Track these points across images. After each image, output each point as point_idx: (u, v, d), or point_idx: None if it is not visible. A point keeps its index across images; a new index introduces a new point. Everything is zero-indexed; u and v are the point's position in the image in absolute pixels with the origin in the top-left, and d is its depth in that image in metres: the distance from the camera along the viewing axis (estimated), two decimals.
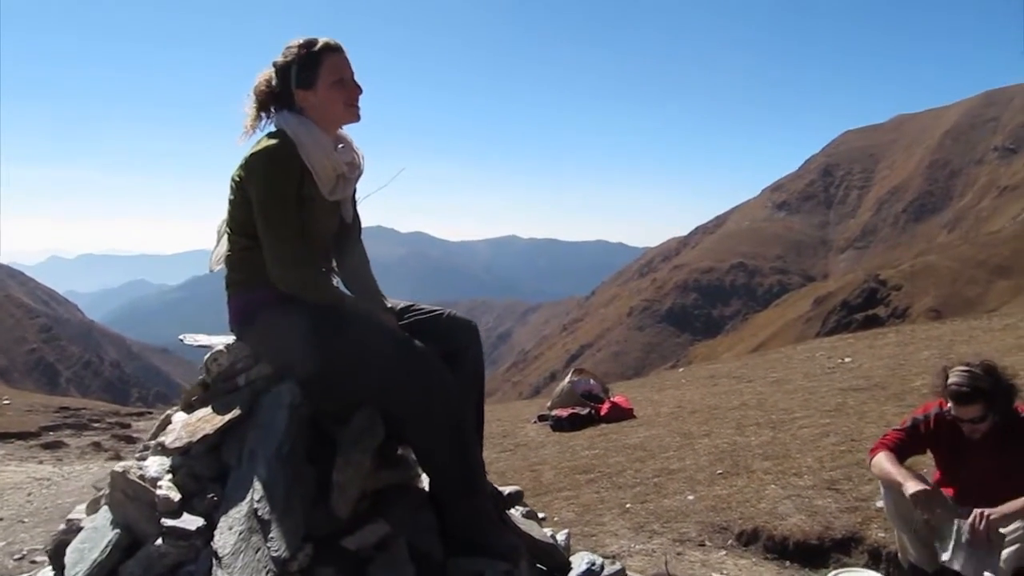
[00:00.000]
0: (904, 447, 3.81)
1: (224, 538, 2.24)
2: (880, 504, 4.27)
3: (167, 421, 2.83)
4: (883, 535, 4.28)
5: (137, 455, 2.69)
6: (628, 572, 3.46)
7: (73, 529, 2.60)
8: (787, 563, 4.42)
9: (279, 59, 2.82)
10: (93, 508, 2.69)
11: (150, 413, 14.94)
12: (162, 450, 2.60)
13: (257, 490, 2.30)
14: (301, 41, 2.79)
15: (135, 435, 10.78)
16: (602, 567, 2.96)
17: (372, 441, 2.56)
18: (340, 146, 2.86)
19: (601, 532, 5.00)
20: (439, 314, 2.94)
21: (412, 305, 2.99)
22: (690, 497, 5.47)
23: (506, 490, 3.11)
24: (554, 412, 9.91)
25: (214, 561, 2.20)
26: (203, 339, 2.94)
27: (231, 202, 2.77)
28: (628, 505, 5.52)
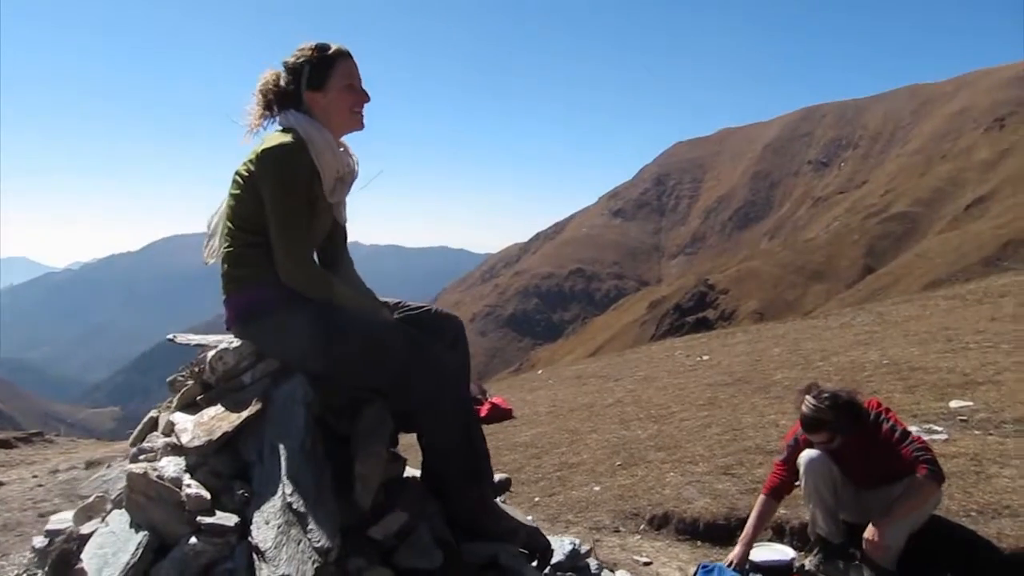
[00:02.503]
0: (787, 481, 4.26)
1: (263, 533, 2.24)
2: None
3: (152, 423, 2.77)
4: (784, 511, 4.67)
5: (142, 457, 2.60)
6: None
7: (73, 538, 2.49)
8: (699, 543, 4.74)
9: (290, 59, 2.85)
10: (84, 516, 2.58)
11: None
12: (173, 450, 2.54)
13: (287, 484, 2.32)
14: (314, 44, 2.83)
15: None
16: (581, 546, 3.14)
17: (386, 433, 2.62)
18: (340, 149, 2.89)
19: None
20: (427, 309, 3.03)
21: (400, 302, 3.06)
22: (596, 488, 5.73)
23: (496, 477, 3.23)
24: None
25: (255, 556, 2.21)
26: (196, 338, 2.89)
27: (236, 196, 2.75)
28: (537, 499, 5.72)
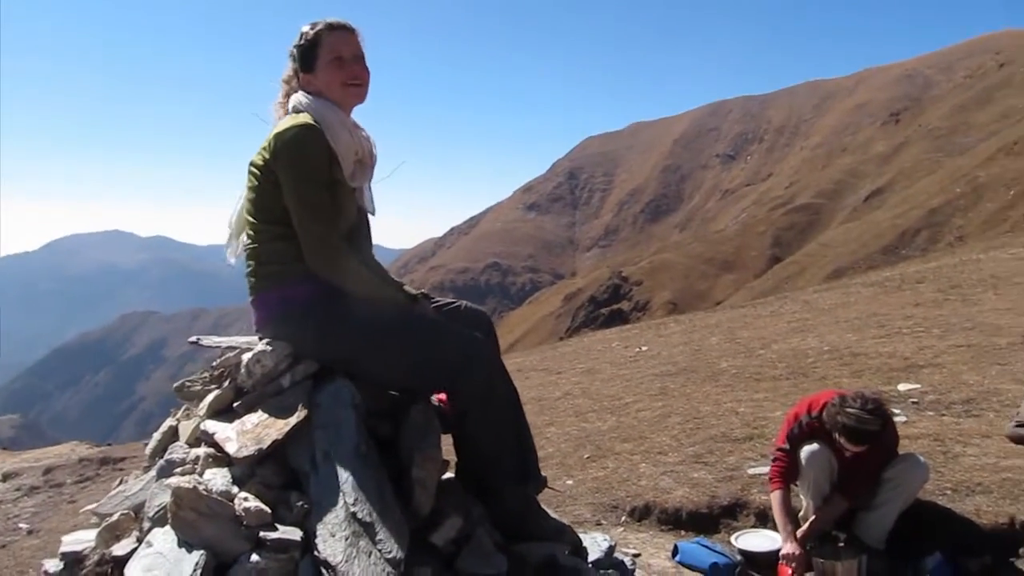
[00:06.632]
0: (792, 470, 4.27)
1: (330, 546, 2.11)
2: (752, 471, 4.87)
3: (172, 433, 2.60)
4: (764, 498, 4.74)
5: (178, 471, 2.41)
6: None
7: (106, 560, 2.29)
8: (682, 532, 4.77)
9: (291, 45, 2.74)
10: (110, 536, 2.38)
11: None
12: (215, 462, 2.37)
13: (348, 493, 2.20)
14: (307, 26, 2.70)
15: None
16: (613, 543, 3.12)
17: (436, 434, 2.53)
18: (356, 129, 2.75)
19: None
20: (457, 305, 2.93)
21: (428, 295, 2.95)
22: (569, 482, 5.70)
23: None
24: None
25: (325, 571, 2.08)
26: (224, 340, 2.72)
27: (254, 189, 2.59)
28: None
